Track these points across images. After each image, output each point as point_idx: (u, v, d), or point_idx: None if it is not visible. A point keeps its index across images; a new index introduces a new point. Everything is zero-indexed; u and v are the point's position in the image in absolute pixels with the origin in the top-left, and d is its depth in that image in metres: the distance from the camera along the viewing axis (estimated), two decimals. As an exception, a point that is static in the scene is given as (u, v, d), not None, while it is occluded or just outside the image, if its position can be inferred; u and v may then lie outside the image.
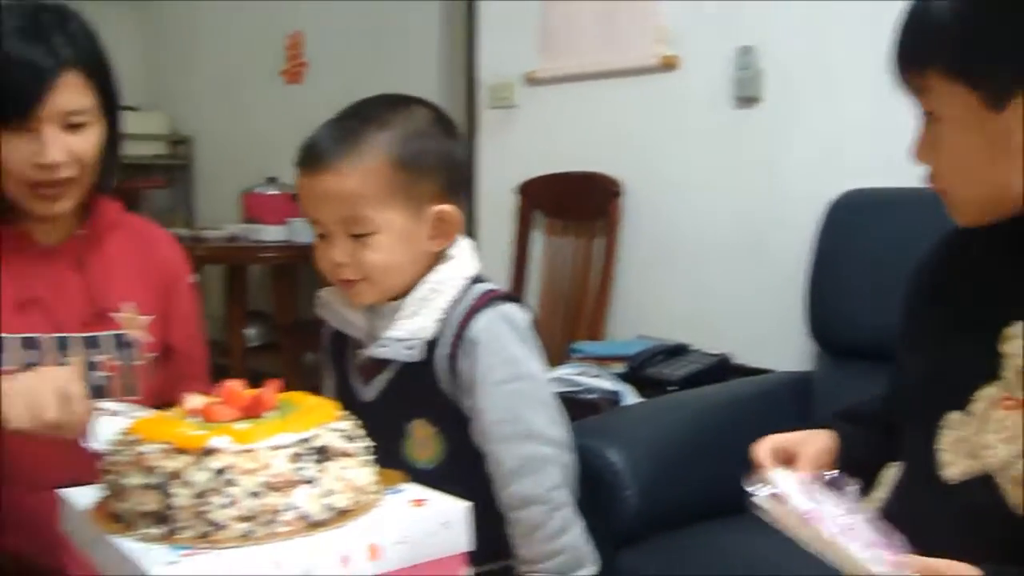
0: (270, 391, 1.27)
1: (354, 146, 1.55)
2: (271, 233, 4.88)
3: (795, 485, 1.29)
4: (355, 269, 1.58)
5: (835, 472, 1.31)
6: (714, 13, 3.40)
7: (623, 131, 3.64)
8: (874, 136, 2.89)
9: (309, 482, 1.17)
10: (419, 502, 1.27)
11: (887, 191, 2.67)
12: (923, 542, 1.20)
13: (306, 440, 1.19)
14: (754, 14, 3.29)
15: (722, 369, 3.03)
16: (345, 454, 1.23)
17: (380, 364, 1.63)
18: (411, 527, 1.21)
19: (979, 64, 1.21)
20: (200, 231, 5.24)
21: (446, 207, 1.61)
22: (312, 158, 1.57)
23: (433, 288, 1.60)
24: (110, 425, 1.40)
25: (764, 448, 1.44)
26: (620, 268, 3.59)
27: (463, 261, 1.64)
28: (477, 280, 1.64)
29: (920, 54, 1.26)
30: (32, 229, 1.74)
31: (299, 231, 4.81)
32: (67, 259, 1.77)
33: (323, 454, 1.20)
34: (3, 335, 1.68)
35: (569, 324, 3.69)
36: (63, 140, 1.67)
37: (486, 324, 1.57)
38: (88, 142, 1.71)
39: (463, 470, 1.56)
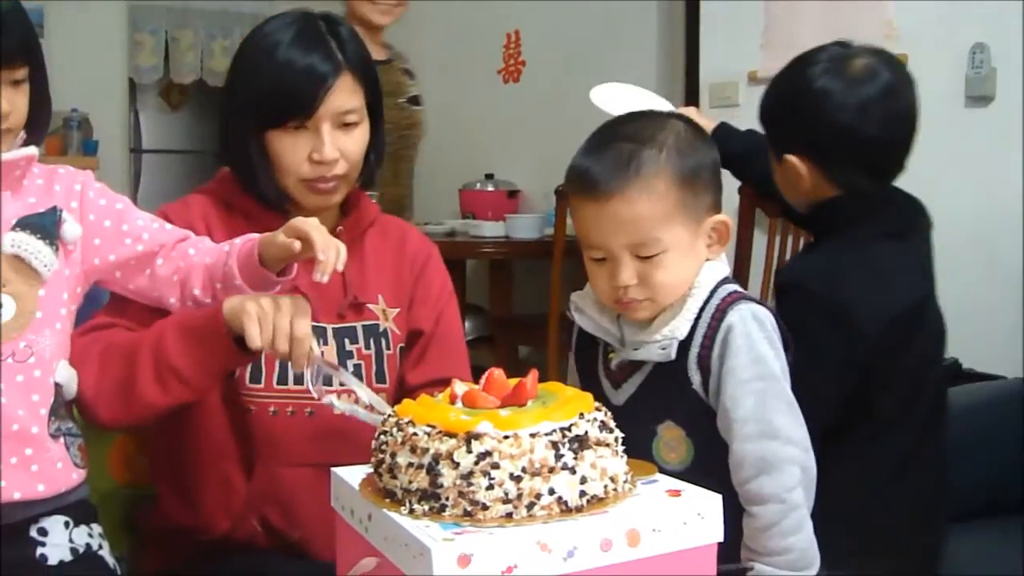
0: (531, 380, 1.32)
1: (637, 169, 1.58)
2: (489, 229, 4.97)
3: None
4: (642, 289, 1.61)
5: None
6: (945, 9, 3.33)
7: (849, 130, 3.59)
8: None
9: (567, 469, 1.22)
10: (675, 492, 1.31)
11: None
12: None
13: (566, 428, 1.24)
14: (987, 10, 3.21)
15: (951, 374, 2.95)
16: (601, 443, 1.27)
17: (632, 368, 1.67)
18: (668, 516, 1.24)
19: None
20: (419, 226, 5.36)
21: (722, 217, 1.65)
22: (594, 184, 1.59)
23: (689, 294, 1.63)
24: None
25: None
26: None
27: (716, 265, 1.67)
28: (723, 281, 1.67)
29: None
30: None
31: (516, 227, 4.89)
32: None
33: (581, 442, 1.24)
34: None
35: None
36: (337, 138, 1.78)
37: (738, 321, 1.60)
38: (357, 141, 1.82)
39: (711, 472, 1.57)
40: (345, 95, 1.79)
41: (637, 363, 1.65)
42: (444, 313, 1.97)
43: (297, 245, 1.55)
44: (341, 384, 1.68)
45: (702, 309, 1.62)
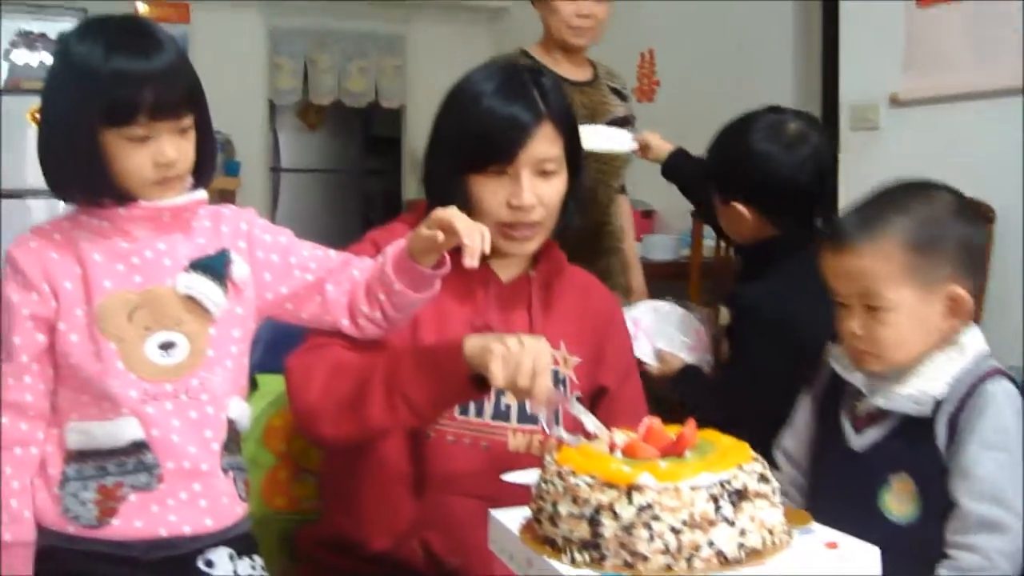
0: (690, 430, 1.33)
1: (871, 229, 1.68)
2: (625, 249, 4.96)
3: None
4: (867, 341, 1.69)
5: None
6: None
7: (996, 154, 3.52)
8: None
9: (727, 521, 1.23)
10: (832, 544, 1.31)
11: None
12: None
13: (726, 481, 1.25)
14: None
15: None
16: (759, 495, 1.27)
17: (879, 416, 1.73)
18: (826, 569, 1.25)
19: None
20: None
21: (958, 289, 1.68)
22: (835, 237, 1.75)
23: (950, 358, 1.69)
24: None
25: None
26: (991, 298, 3.47)
27: (976, 342, 1.72)
28: (987, 355, 1.72)
29: None
30: (494, 265, 1.90)
31: (652, 247, 4.88)
32: (518, 296, 1.93)
33: (740, 495, 1.25)
34: None
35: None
36: (536, 185, 1.84)
37: (995, 392, 1.65)
38: (554, 189, 1.87)
39: (935, 532, 1.63)
40: (545, 144, 1.84)
41: (885, 412, 1.71)
42: (630, 373, 2.04)
43: (440, 236, 1.61)
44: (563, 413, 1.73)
45: (964, 375, 1.68)
